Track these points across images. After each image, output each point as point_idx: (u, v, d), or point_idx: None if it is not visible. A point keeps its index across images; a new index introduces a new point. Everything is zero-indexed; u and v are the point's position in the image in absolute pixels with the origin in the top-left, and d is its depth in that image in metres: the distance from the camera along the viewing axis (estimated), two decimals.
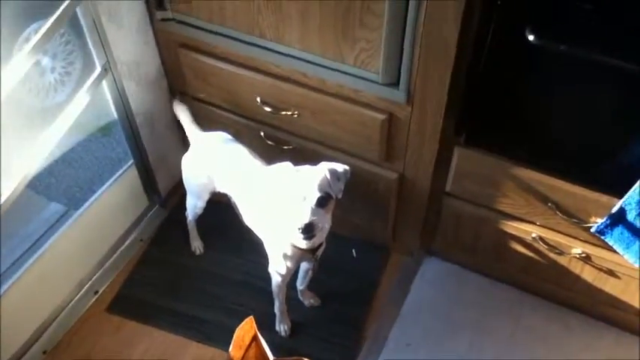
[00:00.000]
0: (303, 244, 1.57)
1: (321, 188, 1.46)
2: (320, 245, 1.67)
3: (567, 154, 1.60)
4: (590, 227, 1.62)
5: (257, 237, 1.80)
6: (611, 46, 1.30)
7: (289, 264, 1.69)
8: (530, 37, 1.30)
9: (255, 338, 1.44)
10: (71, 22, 1.74)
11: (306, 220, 1.44)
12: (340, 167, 1.53)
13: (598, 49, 1.30)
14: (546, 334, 1.95)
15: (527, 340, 1.94)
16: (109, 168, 2.27)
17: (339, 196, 1.52)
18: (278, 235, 1.65)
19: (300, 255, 1.66)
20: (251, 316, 1.44)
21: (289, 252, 1.64)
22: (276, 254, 1.69)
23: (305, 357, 1.53)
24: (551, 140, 1.59)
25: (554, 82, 1.45)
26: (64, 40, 2.43)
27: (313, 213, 1.45)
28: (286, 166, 1.53)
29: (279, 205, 1.51)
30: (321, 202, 1.46)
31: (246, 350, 1.42)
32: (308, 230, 1.45)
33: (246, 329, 1.41)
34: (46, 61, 2.40)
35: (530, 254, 1.86)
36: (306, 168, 1.52)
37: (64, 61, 2.46)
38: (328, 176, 1.48)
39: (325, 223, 1.53)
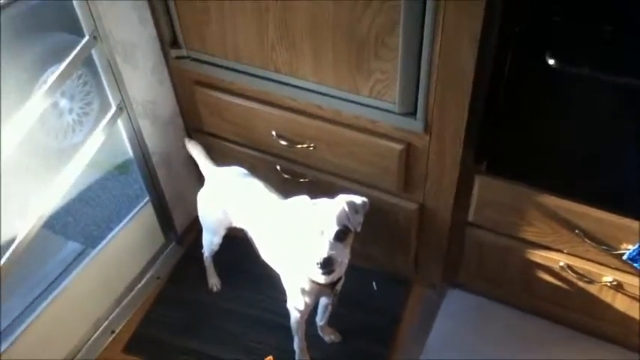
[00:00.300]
0: (322, 279, 1.54)
1: (339, 221, 1.43)
2: (339, 279, 1.63)
3: (593, 179, 1.56)
4: (622, 254, 1.56)
5: (275, 272, 1.76)
6: (633, 67, 1.27)
7: (308, 299, 1.65)
8: (551, 62, 1.28)
9: None
10: (87, 63, 1.76)
11: (325, 255, 1.40)
12: (358, 199, 1.49)
13: (620, 72, 1.27)
14: None
15: None
16: (127, 206, 2.28)
17: (358, 229, 1.48)
18: (295, 270, 1.61)
19: (318, 290, 1.62)
20: (270, 356, 1.39)
21: (307, 287, 1.60)
22: (294, 290, 1.66)
23: None
24: (575, 166, 1.55)
25: (575, 107, 1.42)
26: (81, 81, 2.48)
27: (332, 247, 1.41)
28: (303, 199, 1.51)
29: (297, 240, 1.48)
30: (340, 236, 1.43)
31: None
32: (327, 265, 1.41)
33: None
34: (64, 102, 2.45)
35: (559, 283, 1.80)
36: (323, 201, 1.50)
37: (82, 102, 2.50)
38: (346, 209, 1.45)
39: (344, 258, 1.49)
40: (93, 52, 1.68)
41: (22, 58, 2.22)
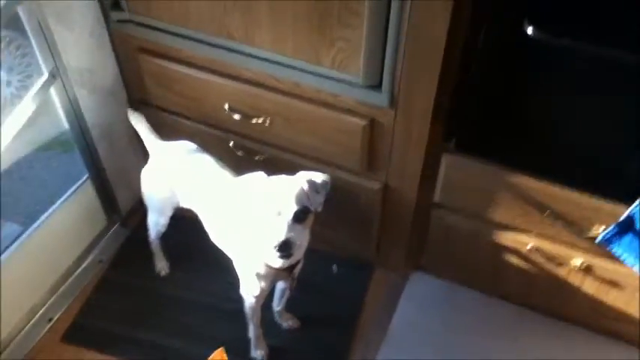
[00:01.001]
0: (279, 263, 1.42)
1: (298, 201, 1.31)
2: (297, 263, 1.51)
3: (567, 159, 1.48)
4: (593, 237, 1.50)
5: (227, 255, 1.63)
6: (616, 38, 1.18)
7: (263, 284, 1.53)
8: (529, 31, 1.17)
9: None
10: (24, 28, 1.57)
11: (282, 237, 1.28)
12: (320, 177, 1.37)
13: (603, 43, 1.18)
14: (549, 353, 1.81)
15: None
16: (70, 186, 2.12)
17: (319, 209, 1.37)
18: (249, 254, 1.49)
19: (274, 274, 1.51)
20: (221, 348, 1.27)
21: (262, 271, 1.48)
22: (248, 275, 1.54)
23: None
24: (549, 144, 1.47)
25: (553, 81, 1.34)
26: (19, 52, 2.28)
27: (290, 229, 1.29)
28: (259, 176, 1.37)
29: (251, 220, 1.35)
30: (299, 217, 1.31)
31: None
32: (284, 248, 1.29)
33: None
34: (2, 74, 2.24)
35: (527, 267, 1.74)
36: (281, 178, 1.37)
37: (21, 74, 2.31)
38: (306, 188, 1.33)
39: (303, 240, 1.38)
40: (20, 11, 1.48)
41: None
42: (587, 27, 1.18)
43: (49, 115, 1.84)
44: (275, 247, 1.29)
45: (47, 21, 1.54)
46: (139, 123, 1.75)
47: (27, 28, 1.55)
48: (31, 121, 1.69)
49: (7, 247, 1.79)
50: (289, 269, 1.50)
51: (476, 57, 1.35)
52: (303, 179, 1.35)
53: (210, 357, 1.28)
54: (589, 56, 1.22)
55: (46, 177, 2.35)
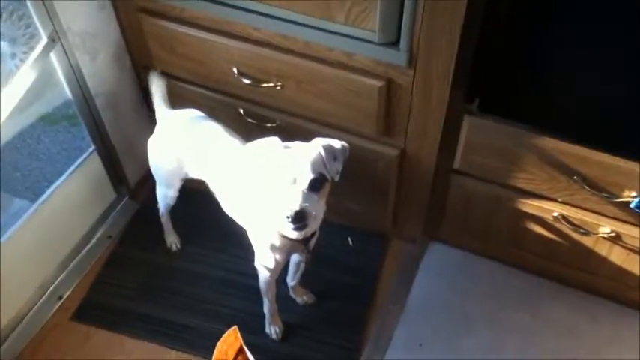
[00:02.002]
0: (293, 234, 1.34)
1: (314, 169, 1.23)
2: (313, 235, 1.44)
3: (595, 120, 1.39)
4: (624, 202, 1.41)
5: (240, 228, 1.57)
6: None
7: (278, 257, 1.47)
8: None
9: (240, 351, 1.21)
10: None
11: (297, 208, 1.21)
12: (338, 144, 1.30)
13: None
14: (570, 326, 1.75)
15: (549, 333, 1.75)
16: (77, 159, 2.07)
17: (336, 178, 1.29)
18: (264, 224, 1.42)
19: (290, 246, 1.44)
20: (235, 327, 1.20)
21: (277, 243, 1.41)
22: (263, 246, 1.47)
23: None
24: (578, 104, 1.38)
25: (579, 35, 1.24)
26: (22, 23, 2.21)
27: (305, 199, 1.22)
28: (273, 141, 1.30)
29: (265, 189, 1.28)
30: (315, 186, 1.23)
31: None
32: (299, 219, 1.22)
33: (230, 342, 1.18)
34: (4, 46, 2.17)
35: (551, 236, 1.66)
36: (296, 144, 1.29)
37: (25, 46, 2.24)
38: (323, 154, 1.26)
39: (319, 211, 1.30)
40: None
41: None
42: None
43: (51, 84, 1.78)
44: (288, 217, 1.22)
45: None
46: (157, 87, 1.67)
47: None
48: (34, 91, 1.62)
49: (14, 223, 1.73)
50: (305, 241, 1.43)
51: (501, 9, 1.25)
52: (319, 145, 1.28)
53: (224, 336, 1.22)
54: (619, 9, 1.12)
55: (54, 151, 2.28)
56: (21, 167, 2.21)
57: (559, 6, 1.21)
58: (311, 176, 1.23)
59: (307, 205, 1.22)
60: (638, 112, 1.34)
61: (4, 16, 2.13)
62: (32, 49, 2.29)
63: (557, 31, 1.27)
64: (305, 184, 1.23)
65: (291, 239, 1.39)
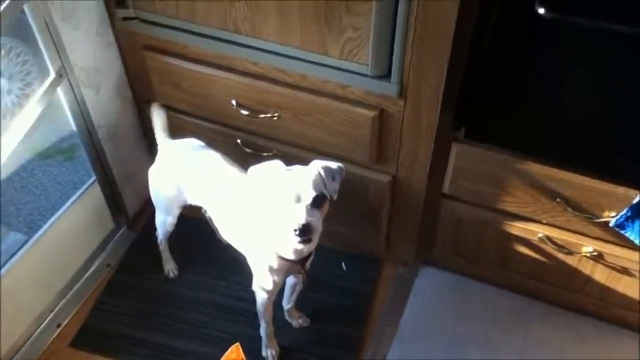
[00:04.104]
0: (292, 251, 1.42)
1: (315, 187, 1.32)
2: (309, 256, 1.50)
3: (576, 144, 1.48)
4: (604, 222, 1.50)
5: (236, 254, 1.62)
6: (629, 14, 1.17)
7: (276, 278, 1.52)
8: (540, 11, 1.17)
9: None
10: (25, 36, 1.55)
11: (303, 221, 1.29)
12: (334, 165, 1.39)
13: (616, 20, 1.17)
14: (559, 345, 1.81)
15: (539, 352, 1.80)
16: (73, 192, 2.11)
17: (334, 196, 1.37)
18: (262, 247, 1.48)
19: (287, 267, 1.50)
20: (237, 343, 1.25)
21: (275, 265, 1.47)
22: (261, 269, 1.53)
23: None
24: (559, 130, 1.47)
25: (562, 65, 1.33)
26: (20, 60, 2.27)
27: (309, 213, 1.29)
28: (276, 164, 1.38)
29: (268, 208, 1.35)
30: (317, 202, 1.31)
31: None
32: (305, 232, 1.29)
33: (232, 359, 1.23)
34: (2, 82, 2.23)
35: (537, 256, 1.73)
36: (297, 167, 1.37)
37: (21, 82, 2.30)
38: (322, 174, 1.34)
39: (319, 227, 1.37)
40: (26, 8, 1.48)
41: None
42: (597, 4, 1.18)
43: (50, 120, 1.83)
44: (296, 230, 1.29)
45: (53, 19, 1.53)
46: (158, 118, 1.74)
47: (33, 26, 1.54)
48: (33, 128, 1.67)
49: (14, 254, 1.76)
50: (301, 262, 1.49)
51: (486, 40, 1.34)
52: (319, 166, 1.36)
53: (226, 354, 1.26)
54: (602, 36, 1.22)
55: (47, 185, 2.33)
56: (14, 200, 2.25)
57: (539, 39, 1.30)
58: (313, 193, 1.31)
59: (312, 219, 1.30)
60: (614, 137, 1.42)
61: (2, 52, 2.20)
62: (29, 85, 2.35)
63: (536, 65, 1.36)
64: (309, 200, 1.30)
65: (288, 260, 1.45)
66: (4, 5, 1.38)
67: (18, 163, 2.31)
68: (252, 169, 1.39)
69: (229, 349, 1.28)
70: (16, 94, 2.30)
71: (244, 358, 1.25)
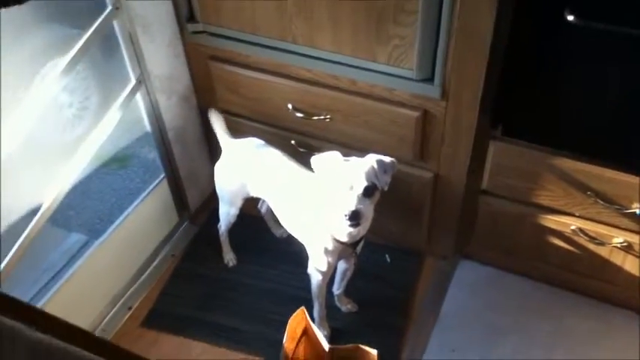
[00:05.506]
0: (346, 234, 1.57)
1: (368, 178, 1.47)
2: (361, 239, 1.66)
3: (606, 140, 1.60)
4: (633, 213, 1.61)
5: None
6: None
7: (330, 259, 1.68)
8: (570, 18, 1.32)
9: (306, 330, 1.42)
10: (90, 54, 1.75)
11: (353, 208, 1.45)
12: (387, 159, 1.55)
13: None
14: (590, 334, 1.90)
15: (571, 341, 1.89)
16: (129, 200, 2.28)
17: (385, 188, 1.53)
18: (319, 230, 1.64)
19: (340, 250, 1.66)
20: (302, 307, 1.42)
21: (330, 246, 1.63)
22: (318, 251, 1.69)
23: None
24: (590, 126, 1.59)
25: (592, 65, 1.46)
26: (79, 76, 2.46)
27: (359, 201, 1.46)
28: (335, 155, 1.55)
29: (325, 194, 1.52)
30: (368, 192, 1.47)
31: (298, 341, 1.40)
32: (354, 217, 1.45)
33: (298, 320, 1.39)
34: (64, 96, 2.43)
35: (570, 248, 1.84)
36: (354, 158, 1.54)
37: (81, 96, 2.48)
38: (375, 167, 1.50)
39: (369, 214, 1.53)
40: (115, 23, 1.70)
41: (22, 51, 2.21)
42: (626, 10, 1.29)
43: (111, 136, 2.00)
44: (346, 215, 1.45)
45: (136, 32, 1.75)
46: (217, 121, 1.93)
47: (119, 38, 1.76)
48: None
49: (90, 245, 1.95)
50: (353, 245, 1.65)
51: (521, 45, 1.48)
52: (373, 159, 1.52)
53: (294, 315, 1.42)
54: (630, 38, 1.33)
55: (105, 193, 2.43)
56: (73, 205, 2.34)
57: (571, 43, 1.44)
58: (365, 184, 1.47)
59: (361, 207, 1.46)
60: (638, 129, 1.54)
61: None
62: (87, 98, 2.54)
63: (569, 65, 1.49)
64: (360, 190, 1.47)
65: (342, 243, 1.61)
66: (101, 18, 1.60)
67: (85, 172, 2.49)
68: (313, 157, 1.57)
69: (296, 312, 1.44)
70: (77, 107, 2.48)
71: (309, 319, 1.41)
